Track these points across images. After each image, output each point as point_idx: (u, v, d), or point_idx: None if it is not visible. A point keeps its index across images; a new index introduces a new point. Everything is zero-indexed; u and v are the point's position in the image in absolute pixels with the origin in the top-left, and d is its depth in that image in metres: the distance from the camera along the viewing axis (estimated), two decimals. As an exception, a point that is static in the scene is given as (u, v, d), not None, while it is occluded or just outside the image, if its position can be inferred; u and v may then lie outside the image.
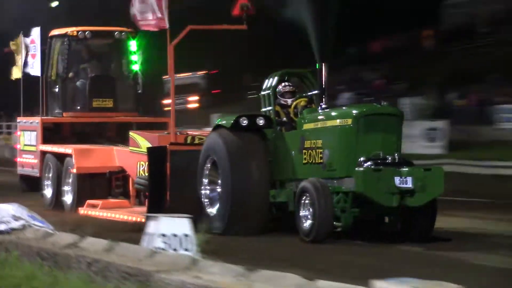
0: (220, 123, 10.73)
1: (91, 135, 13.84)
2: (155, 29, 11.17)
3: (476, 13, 30.21)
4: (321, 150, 9.70)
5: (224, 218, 10.08)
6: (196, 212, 9.39)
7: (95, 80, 13.50)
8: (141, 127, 13.29)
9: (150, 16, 11.05)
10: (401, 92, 29.51)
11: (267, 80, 10.80)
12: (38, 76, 13.29)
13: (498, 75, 25.32)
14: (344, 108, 11.21)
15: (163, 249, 6.59)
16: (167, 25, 10.81)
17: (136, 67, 13.62)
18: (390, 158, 9.26)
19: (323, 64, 10.29)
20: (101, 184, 12.76)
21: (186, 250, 6.73)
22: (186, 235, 6.84)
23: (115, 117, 13.76)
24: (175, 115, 11.47)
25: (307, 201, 9.33)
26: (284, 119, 10.56)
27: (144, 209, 11.47)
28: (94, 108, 13.47)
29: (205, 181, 10.62)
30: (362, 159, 9.29)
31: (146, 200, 11.51)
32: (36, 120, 13.80)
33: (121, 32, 13.40)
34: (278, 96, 10.63)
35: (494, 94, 25.18)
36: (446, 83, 28.42)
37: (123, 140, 13.01)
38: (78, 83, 13.60)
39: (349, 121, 9.48)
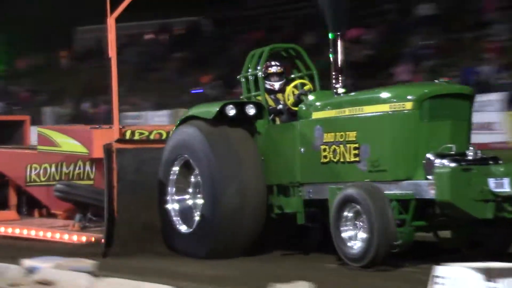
0: (194, 113, 8.26)
1: None
2: None
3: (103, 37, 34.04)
4: (356, 145, 7.22)
5: (209, 237, 7.75)
6: (152, 229, 8.19)
7: None
8: None
9: None
10: (44, 102, 35.22)
11: (247, 60, 8.48)
12: None
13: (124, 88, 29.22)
14: (393, 88, 8.09)
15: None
16: None
17: None
18: (471, 154, 6.89)
19: (338, 34, 7.91)
20: None
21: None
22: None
23: None
24: (118, 104, 8.98)
25: (352, 214, 6.90)
26: (280, 106, 8.28)
27: (52, 221, 10.34)
28: None
29: (172, 189, 8.23)
30: (430, 155, 6.84)
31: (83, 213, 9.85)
32: None
33: None
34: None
35: (121, 103, 28.55)
36: (80, 94, 34.24)
37: None
38: None
39: (408, 105, 6.95)
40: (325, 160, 7.49)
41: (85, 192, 9.73)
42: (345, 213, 6.91)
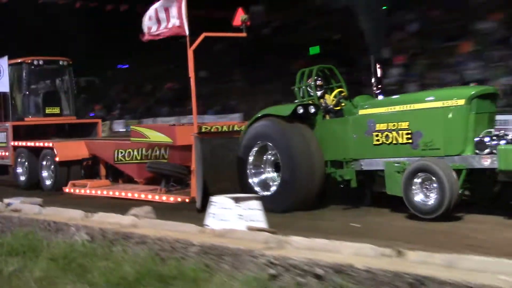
0: (269, 112, 11.09)
1: (46, 133, 17.46)
2: (173, 35, 12.32)
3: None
4: (408, 131, 9.71)
5: (289, 197, 10.46)
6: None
7: (47, 94, 17.98)
8: (76, 126, 18.15)
9: (167, 25, 12.28)
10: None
11: (299, 76, 11.64)
12: (7, 92, 17.12)
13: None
14: (443, 91, 10.97)
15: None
16: (186, 32, 11.78)
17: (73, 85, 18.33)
18: (509, 135, 9.14)
19: (372, 56, 11.13)
20: (75, 169, 15.80)
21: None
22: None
23: (61, 120, 18.05)
24: (196, 111, 12.25)
25: (420, 180, 9.20)
26: (331, 106, 11.15)
27: (138, 186, 14.28)
28: (47, 114, 17.81)
29: (250, 165, 11.12)
30: (481, 137, 9.09)
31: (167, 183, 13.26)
32: (6, 124, 17.50)
33: (63, 61, 18.09)
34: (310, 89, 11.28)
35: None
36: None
37: (68, 135, 17.60)
38: (34, 96, 17.88)
39: (461, 101, 9.32)
40: (378, 143, 10.01)
41: (168, 167, 13.22)
42: (415, 180, 9.11)
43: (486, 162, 8.83)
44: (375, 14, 11.71)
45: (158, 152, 13.98)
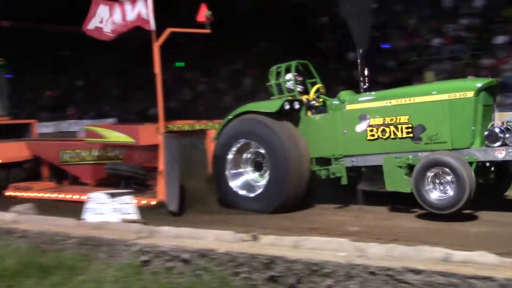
0: (252, 109, 9.67)
1: None
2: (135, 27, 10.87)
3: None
4: (408, 125, 8.54)
5: (278, 198, 9.07)
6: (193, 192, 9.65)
7: None
8: (8, 127, 15.45)
9: (126, 18, 10.87)
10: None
11: (275, 71, 10.12)
12: None
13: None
14: (448, 83, 9.53)
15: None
16: (152, 27, 10.44)
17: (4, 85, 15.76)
18: None
19: (361, 50, 9.99)
20: (15, 171, 13.95)
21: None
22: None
23: None
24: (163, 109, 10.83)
25: (433, 174, 7.95)
26: (313, 102, 9.84)
27: (90, 188, 12.00)
28: None
29: (229, 165, 9.69)
30: (493, 129, 8.06)
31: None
32: None
33: None
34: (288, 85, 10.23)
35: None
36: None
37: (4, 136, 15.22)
38: None
39: (470, 94, 8.24)
40: (373, 138, 8.85)
41: (129, 168, 11.55)
42: (428, 174, 7.97)
43: (501, 154, 7.98)
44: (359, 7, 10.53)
45: (112, 153, 12.58)
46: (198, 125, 11.58)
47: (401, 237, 6.85)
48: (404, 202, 8.76)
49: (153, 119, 15.85)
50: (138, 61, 27.93)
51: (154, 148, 10.59)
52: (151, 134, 10.82)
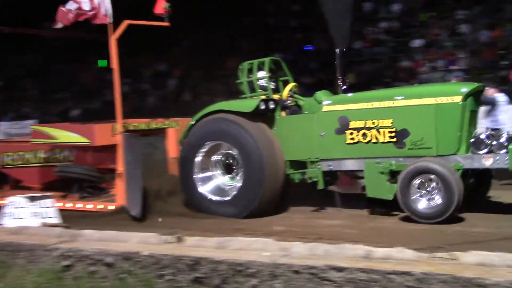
0: (224, 108, 9.06)
1: None
2: (97, 23, 10.06)
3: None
4: (391, 129, 8.08)
5: (253, 202, 8.56)
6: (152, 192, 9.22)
7: None
8: None
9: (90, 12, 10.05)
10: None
11: (246, 68, 9.50)
12: None
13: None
14: (435, 86, 9.38)
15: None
16: (108, 20, 9.79)
17: None
18: (504, 134, 8.01)
19: (340, 49, 9.76)
20: None
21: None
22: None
23: None
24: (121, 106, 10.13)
25: (420, 181, 7.64)
26: (288, 102, 9.31)
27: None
28: None
29: (197, 167, 9.07)
30: (479, 136, 7.83)
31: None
32: None
33: None
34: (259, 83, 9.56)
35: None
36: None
37: None
38: None
39: (458, 98, 7.82)
40: (351, 141, 8.42)
41: (82, 170, 10.82)
42: (415, 182, 7.71)
43: (488, 162, 7.69)
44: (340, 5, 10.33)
45: (60, 154, 11.72)
46: (154, 123, 11.03)
47: (325, 235, 6.94)
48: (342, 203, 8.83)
49: (75, 120, 15.50)
50: (59, 61, 27.32)
51: (108, 148, 10.02)
52: (107, 133, 10.16)
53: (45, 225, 6.91)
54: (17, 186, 11.95)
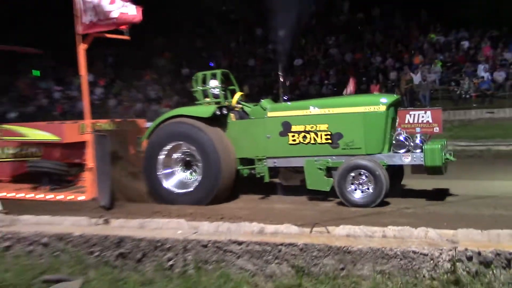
0: (185, 113, 8.80)
1: None
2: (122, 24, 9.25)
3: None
4: (327, 132, 8.11)
5: (212, 191, 8.34)
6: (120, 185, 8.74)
7: None
8: None
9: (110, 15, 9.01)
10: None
11: (200, 78, 9.24)
12: None
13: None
14: (364, 97, 9.27)
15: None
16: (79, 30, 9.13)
17: None
18: (420, 136, 8.09)
19: (280, 64, 10.38)
20: None
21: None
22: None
23: None
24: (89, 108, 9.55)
25: (354, 175, 7.65)
26: (239, 109, 9.20)
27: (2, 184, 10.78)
28: None
29: (160, 165, 8.68)
30: (399, 138, 7.95)
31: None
32: None
33: None
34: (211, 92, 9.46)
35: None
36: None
37: None
38: None
39: (382, 107, 7.94)
40: (293, 142, 8.40)
41: (51, 165, 10.14)
42: (350, 176, 7.74)
43: (407, 159, 7.87)
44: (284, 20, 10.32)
45: (27, 151, 10.94)
46: (114, 124, 10.59)
47: (227, 216, 7.03)
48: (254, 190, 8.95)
49: (12, 121, 14.68)
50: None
51: (75, 145, 9.63)
52: (75, 132, 9.80)
53: (-15, 212, 6.51)
54: None
